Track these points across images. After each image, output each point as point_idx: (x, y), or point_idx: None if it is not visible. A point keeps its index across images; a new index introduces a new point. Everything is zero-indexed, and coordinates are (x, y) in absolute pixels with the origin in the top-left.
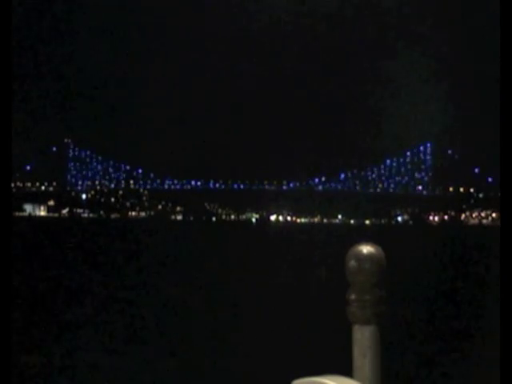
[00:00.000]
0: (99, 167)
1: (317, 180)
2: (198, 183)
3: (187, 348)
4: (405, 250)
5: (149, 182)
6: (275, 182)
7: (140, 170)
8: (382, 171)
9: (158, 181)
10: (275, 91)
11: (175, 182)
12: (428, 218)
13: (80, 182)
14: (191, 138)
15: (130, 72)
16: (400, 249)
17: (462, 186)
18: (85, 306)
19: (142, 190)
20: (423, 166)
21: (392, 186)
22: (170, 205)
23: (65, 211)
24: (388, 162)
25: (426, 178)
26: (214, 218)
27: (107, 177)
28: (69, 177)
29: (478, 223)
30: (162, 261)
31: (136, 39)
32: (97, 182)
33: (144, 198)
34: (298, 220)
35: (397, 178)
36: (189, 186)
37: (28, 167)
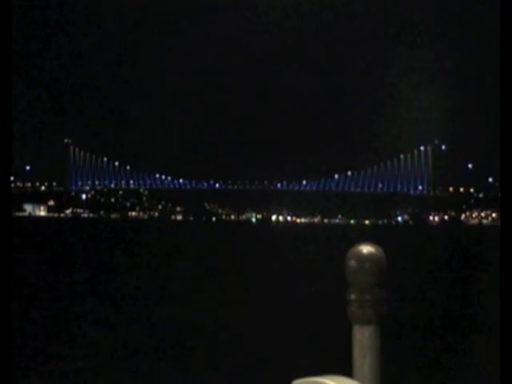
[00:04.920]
0: (99, 167)
1: (317, 180)
2: (198, 183)
3: (188, 348)
4: (405, 250)
5: (149, 182)
6: (275, 182)
7: (140, 170)
8: (382, 171)
9: (158, 181)
10: (275, 91)
11: (175, 181)
12: (428, 218)
13: (80, 182)
14: (191, 138)
15: (131, 72)
16: (400, 249)
17: (461, 186)
18: (85, 305)
19: (141, 190)
20: (423, 166)
21: (392, 186)
22: (169, 205)
23: (66, 211)
24: (388, 162)
25: (426, 178)
26: (214, 218)
27: (107, 177)
28: (69, 177)
29: (478, 223)
30: (162, 261)
31: (136, 38)
32: (97, 182)
33: (144, 198)
34: (298, 220)
35: (397, 178)
36: (189, 186)
37: (28, 167)
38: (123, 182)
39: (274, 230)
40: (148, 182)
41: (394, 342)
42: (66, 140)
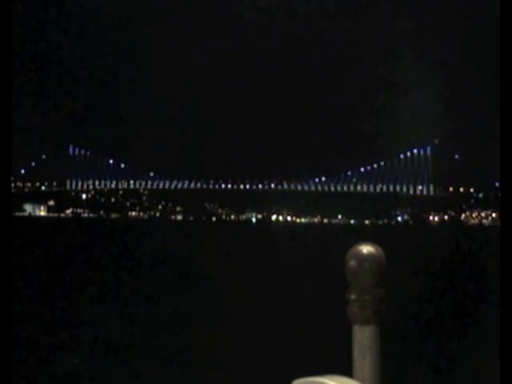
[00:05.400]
0: (99, 167)
1: (317, 180)
2: (198, 183)
3: (188, 348)
4: (405, 250)
5: (149, 182)
6: (275, 182)
7: (140, 170)
8: (383, 171)
9: (158, 181)
10: (275, 91)
11: (175, 181)
12: (428, 218)
13: (80, 182)
14: (191, 138)
15: (130, 71)
16: (400, 249)
17: (462, 186)
18: (85, 306)
19: (141, 190)
20: (423, 166)
21: (392, 185)
22: (170, 205)
23: (66, 211)
24: (388, 162)
25: (426, 178)
26: (214, 218)
27: (107, 177)
28: (69, 177)
29: (477, 223)
30: (162, 261)
31: (135, 37)
32: (97, 182)
33: (144, 198)
34: (298, 220)
35: (397, 178)
36: (189, 186)
37: (28, 167)
38: (123, 181)
39: (273, 230)
40: (148, 182)
41: (394, 341)
42: (65, 140)
